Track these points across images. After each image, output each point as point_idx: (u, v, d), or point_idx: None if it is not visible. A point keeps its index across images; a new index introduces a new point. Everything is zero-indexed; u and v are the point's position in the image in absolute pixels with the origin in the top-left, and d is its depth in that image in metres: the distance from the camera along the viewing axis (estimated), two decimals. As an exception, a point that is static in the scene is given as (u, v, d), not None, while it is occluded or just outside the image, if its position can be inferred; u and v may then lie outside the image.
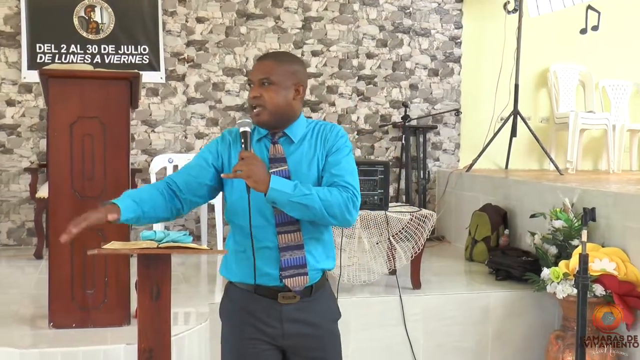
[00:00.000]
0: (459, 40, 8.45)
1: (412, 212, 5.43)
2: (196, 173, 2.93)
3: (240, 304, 2.92)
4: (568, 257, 5.23)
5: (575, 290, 4.80)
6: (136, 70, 4.68)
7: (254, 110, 2.86)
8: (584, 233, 4.66)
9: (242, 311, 2.91)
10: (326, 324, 3.01)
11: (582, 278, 4.57)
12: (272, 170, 2.82)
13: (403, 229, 5.37)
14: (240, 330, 2.92)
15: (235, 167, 2.71)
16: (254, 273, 2.84)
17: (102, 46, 7.35)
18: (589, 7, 7.75)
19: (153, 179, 6.99)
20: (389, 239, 5.34)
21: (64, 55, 7.25)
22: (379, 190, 5.29)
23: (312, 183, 2.85)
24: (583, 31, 7.79)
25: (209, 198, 3.01)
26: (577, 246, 5.15)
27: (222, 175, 2.87)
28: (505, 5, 7.81)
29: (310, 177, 2.88)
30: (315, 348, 2.96)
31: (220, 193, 3.02)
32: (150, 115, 7.57)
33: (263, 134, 2.91)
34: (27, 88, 7.27)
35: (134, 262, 3.16)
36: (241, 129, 2.81)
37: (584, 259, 4.57)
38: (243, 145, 2.79)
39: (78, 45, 7.30)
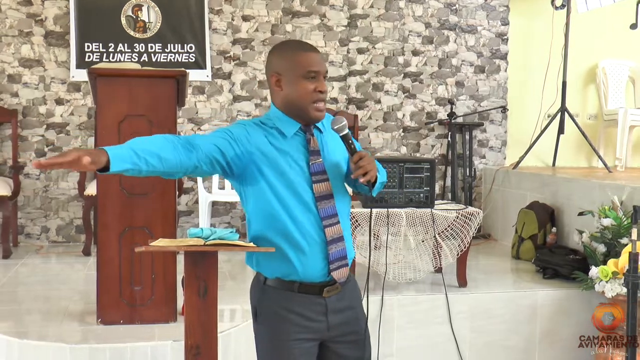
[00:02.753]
0: (505, 37, 8.38)
1: (458, 209, 5.40)
2: (218, 141, 2.75)
3: (282, 304, 2.88)
4: (617, 255, 5.16)
5: (624, 289, 4.73)
6: (183, 69, 4.72)
7: (320, 105, 2.80)
8: (634, 231, 4.58)
9: (285, 311, 2.87)
10: (359, 305, 3.04)
11: (632, 277, 4.50)
12: (311, 163, 2.81)
13: (449, 226, 5.34)
14: (284, 331, 2.88)
15: (362, 169, 2.71)
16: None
17: (149, 45, 7.42)
18: (640, 1, 7.63)
19: (199, 178, 7.03)
20: (434, 236, 5.32)
21: (111, 54, 7.34)
22: (425, 188, 5.27)
23: (345, 171, 2.93)
24: (633, 26, 7.65)
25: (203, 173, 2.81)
26: (626, 244, 5.07)
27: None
28: (553, 0, 7.72)
29: (342, 165, 2.92)
30: (354, 332, 2.98)
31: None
32: (197, 113, 7.62)
33: (296, 128, 2.83)
34: (75, 87, 7.36)
35: (180, 259, 3.19)
36: (342, 134, 2.80)
37: (634, 258, 4.49)
38: (353, 146, 2.79)
39: (125, 44, 7.37)
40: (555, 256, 5.92)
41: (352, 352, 2.97)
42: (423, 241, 5.45)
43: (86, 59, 7.25)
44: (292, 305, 2.86)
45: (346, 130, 2.79)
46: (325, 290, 2.87)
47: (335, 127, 2.80)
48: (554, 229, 6.49)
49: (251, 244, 2.79)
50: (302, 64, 2.77)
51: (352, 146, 2.78)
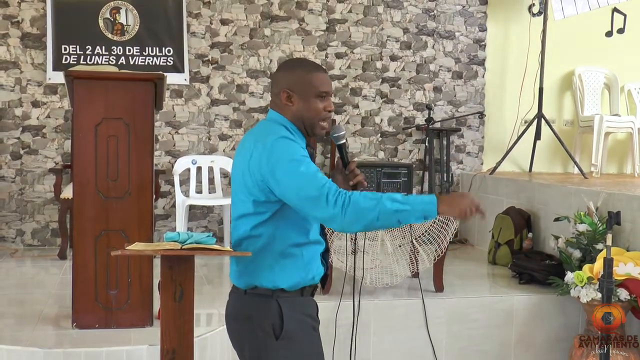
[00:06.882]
0: (483, 43, 8.41)
1: (435, 215, 5.40)
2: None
3: (304, 311, 2.88)
4: (592, 261, 5.20)
5: (599, 295, 4.76)
6: (160, 72, 4.71)
7: (325, 123, 2.86)
8: (609, 237, 4.63)
9: (305, 317, 2.88)
10: None
11: (607, 282, 4.54)
12: None
13: (426, 231, 5.35)
14: (316, 338, 2.92)
15: (360, 176, 2.94)
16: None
17: (127, 48, 7.38)
18: (615, 9, 7.70)
19: (177, 181, 7.02)
20: (411, 241, 5.32)
21: (89, 57, 7.29)
22: (403, 193, 5.27)
23: None
24: (609, 34, 7.73)
25: None
26: (601, 250, 5.11)
27: None
28: (530, 7, 7.78)
29: None
30: None
31: None
32: (174, 116, 7.60)
33: (304, 142, 2.87)
34: (52, 89, 7.31)
35: (157, 263, 3.17)
36: (339, 143, 3.01)
37: (608, 263, 4.54)
38: (347, 156, 3.01)
39: (103, 47, 7.33)
40: (531, 261, 5.95)
41: None
42: (400, 246, 5.45)
43: (63, 62, 7.20)
44: (309, 310, 2.91)
45: (343, 140, 2.97)
46: (316, 291, 2.97)
47: (335, 135, 2.96)
48: (530, 235, 6.53)
49: (227, 248, 2.79)
50: (316, 84, 2.85)
51: (347, 156, 2.95)
